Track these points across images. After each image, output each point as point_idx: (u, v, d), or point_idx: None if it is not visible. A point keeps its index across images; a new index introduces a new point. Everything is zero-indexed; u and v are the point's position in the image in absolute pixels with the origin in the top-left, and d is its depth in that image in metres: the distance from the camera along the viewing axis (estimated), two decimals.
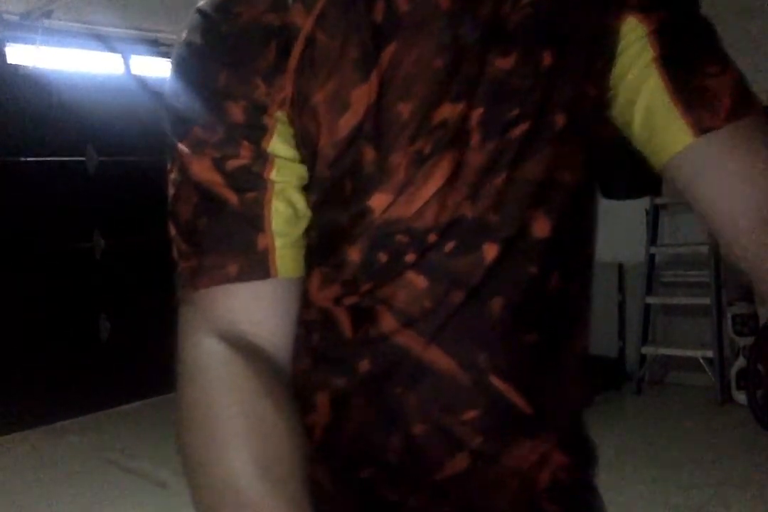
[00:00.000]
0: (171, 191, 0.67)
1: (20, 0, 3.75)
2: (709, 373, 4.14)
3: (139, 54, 4.63)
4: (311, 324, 0.70)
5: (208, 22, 0.67)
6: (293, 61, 0.65)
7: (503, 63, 0.65)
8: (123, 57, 4.58)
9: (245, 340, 0.63)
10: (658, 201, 4.33)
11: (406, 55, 0.64)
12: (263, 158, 0.65)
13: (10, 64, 4.09)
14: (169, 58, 4.97)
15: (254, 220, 0.65)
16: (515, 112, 0.65)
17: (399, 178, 0.66)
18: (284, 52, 0.64)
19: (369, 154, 0.65)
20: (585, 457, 0.78)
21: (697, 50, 0.67)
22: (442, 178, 0.65)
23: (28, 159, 4.11)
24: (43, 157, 4.16)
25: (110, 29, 4.39)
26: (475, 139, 0.65)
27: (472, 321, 0.68)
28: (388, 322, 0.67)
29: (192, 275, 0.65)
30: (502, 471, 0.70)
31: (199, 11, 0.68)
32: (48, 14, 3.91)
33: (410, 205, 0.66)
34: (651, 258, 4.40)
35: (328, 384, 0.71)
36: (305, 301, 0.70)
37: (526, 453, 0.71)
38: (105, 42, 4.44)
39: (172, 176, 0.67)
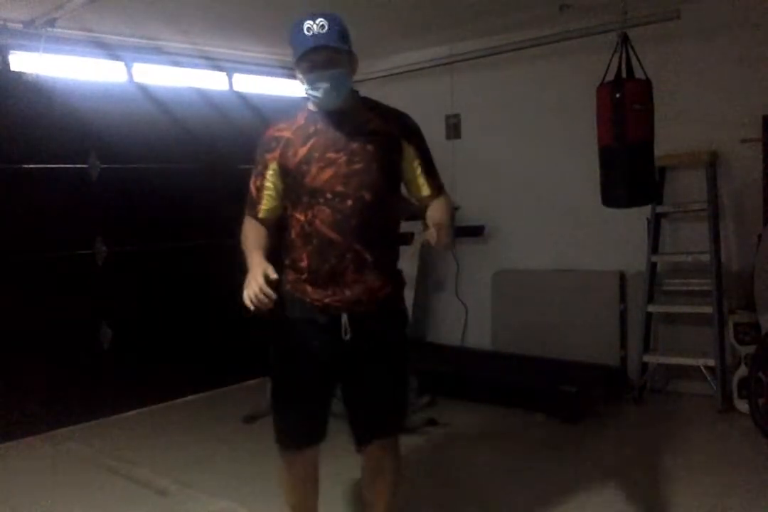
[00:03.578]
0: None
1: (24, 8, 3.77)
2: (711, 382, 4.13)
3: (142, 62, 4.66)
4: (296, 227, 2.13)
5: (263, 134, 2.21)
6: (280, 145, 2.14)
7: (355, 144, 2.07)
8: (125, 65, 4.61)
9: (259, 224, 2.25)
10: (660, 210, 4.34)
11: (320, 140, 2.09)
12: (263, 175, 2.19)
13: (14, 72, 4.11)
14: (171, 65, 4.97)
15: (258, 203, 2.22)
16: (357, 158, 2.06)
17: (315, 172, 2.07)
18: (278, 143, 2.15)
19: (305, 167, 2.09)
20: (398, 285, 2.22)
21: (429, 164, 2.22)
22: (329, 174, 2.06)
23: (31, 166, 4.12)
24: (45, 164, 4.17)
25: (113, 37, 4.42)
26: (341, 165, 2.07)
27: (346, 225, 2.05)
28: (319, 225, 2.08)
29: (248, 212, 2.25)
30: (364, 287, 2.11)
31: (265, 132, 2.23)
32: (51, 22, 3.93)
33: (320, 182, 2.07)
34: (652, 266, 4.41)
35: (306, 247, 2.12)
36: (297, 222, 2.13)
37: (373, 279, 2.11)
38: (108, 50, 4.47)
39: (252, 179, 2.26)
